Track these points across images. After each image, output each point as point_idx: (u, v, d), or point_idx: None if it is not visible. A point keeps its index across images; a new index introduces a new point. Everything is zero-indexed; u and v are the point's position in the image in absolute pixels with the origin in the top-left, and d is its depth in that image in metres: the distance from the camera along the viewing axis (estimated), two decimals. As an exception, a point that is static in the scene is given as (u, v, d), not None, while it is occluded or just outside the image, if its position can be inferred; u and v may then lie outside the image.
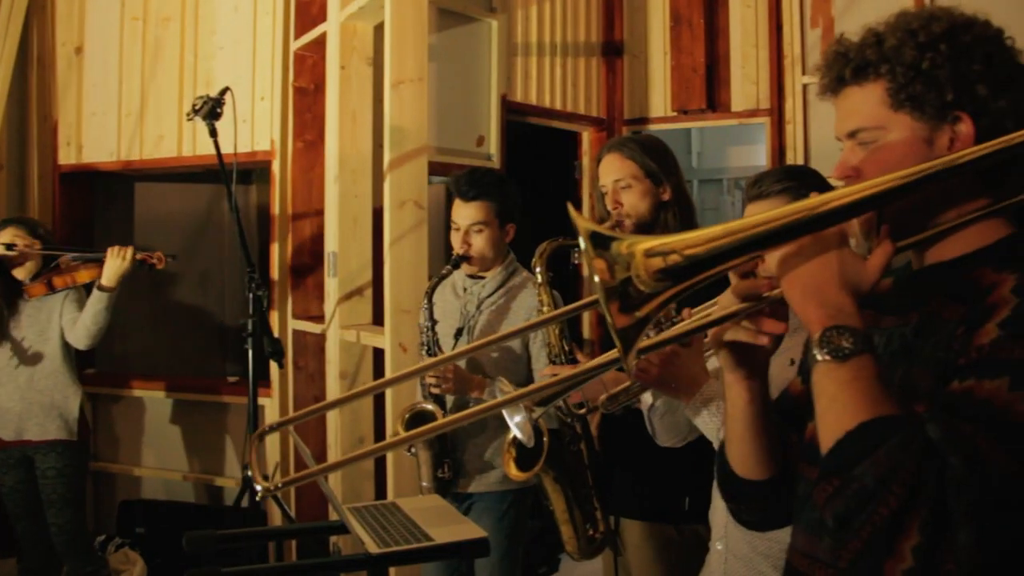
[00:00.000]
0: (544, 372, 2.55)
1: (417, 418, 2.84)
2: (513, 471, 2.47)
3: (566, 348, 2.62)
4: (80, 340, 3.71)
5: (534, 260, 2.61)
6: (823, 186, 1.85)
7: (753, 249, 1.09)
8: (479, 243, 2.91)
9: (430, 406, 2.82)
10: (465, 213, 2.92)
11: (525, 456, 2.41)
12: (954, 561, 0.94)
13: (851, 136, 1.24)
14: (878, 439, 0.99)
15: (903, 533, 0.95)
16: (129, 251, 3.67)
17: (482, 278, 2.99)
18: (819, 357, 1.06)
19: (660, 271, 1.03)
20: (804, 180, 1.94)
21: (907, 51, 1.17)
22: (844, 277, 1.10)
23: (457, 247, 2.93)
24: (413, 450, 2.88)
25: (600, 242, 1.04)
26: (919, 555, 0.94)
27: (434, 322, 2.89)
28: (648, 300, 1.03)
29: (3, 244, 3.65)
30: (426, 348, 2.89)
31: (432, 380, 2.78)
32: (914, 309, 1.21)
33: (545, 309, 2.62)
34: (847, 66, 1.22)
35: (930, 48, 1.16)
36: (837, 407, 1.04)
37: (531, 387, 1.21)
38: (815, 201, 1.09)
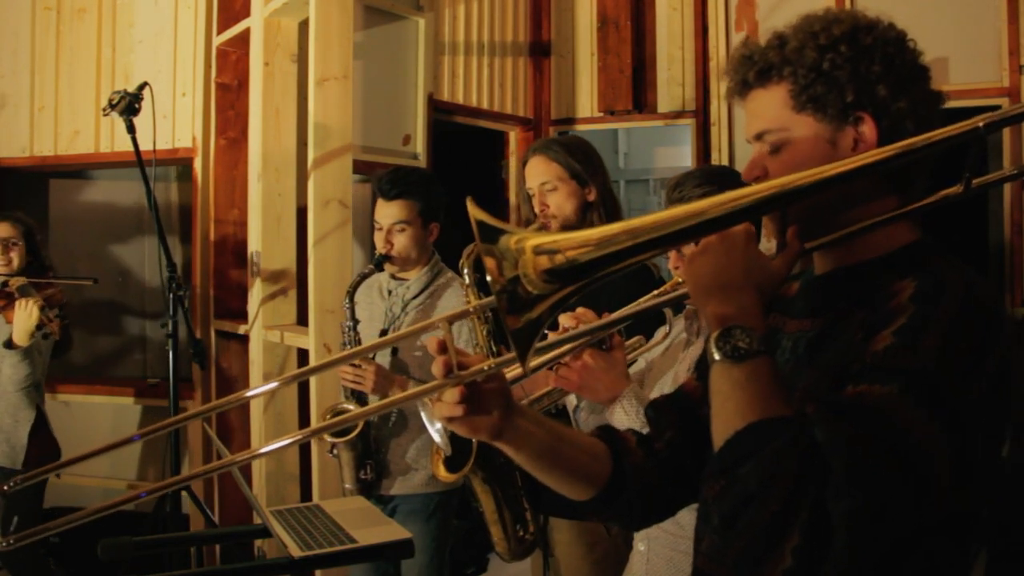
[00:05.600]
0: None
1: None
2: (442, 472, 2.45)
3: (495, 350, 2.59)
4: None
5: (461, 261, 2.58)
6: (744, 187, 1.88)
7: (650, 249, 1.07)
8: (401, 242, 2.88)
9: (352, 406, 2.78)
10: (387, 212, 2.88)
11: (454, 457, 2.40)
12: (831, 563, 0.95)
13: (758, 138, 1.24)
14: (764, 440, 0.99)
15: (785, 534, 0.95)
16: (35, 308, 3.27)
17: (406, 280, 2.96)
18: (716, 356, 1.06)
19: (547, 272, 0.98)
20: (724, 182, 1.96)
21: (808, 53, 1.17)
22: (749, 276, 1.10)
23: (380, 247, 2.89)
24: (335, 451, 2.83)
25: (488, 235, 0.98)
26: (798, 556, 0.95)
27: (356, 322, 2.85)
28: (538, 302, 0.97)
29: None
30: (349, 348, 2.84)
31: (350, 378, 2.75)
32: (820, 314, 1.22)
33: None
34: (751, 69, 1.23)
35: (830, 49, 1.17)
36: (729, 407, 1.04)
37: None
38: (710, 202, 1.08)
